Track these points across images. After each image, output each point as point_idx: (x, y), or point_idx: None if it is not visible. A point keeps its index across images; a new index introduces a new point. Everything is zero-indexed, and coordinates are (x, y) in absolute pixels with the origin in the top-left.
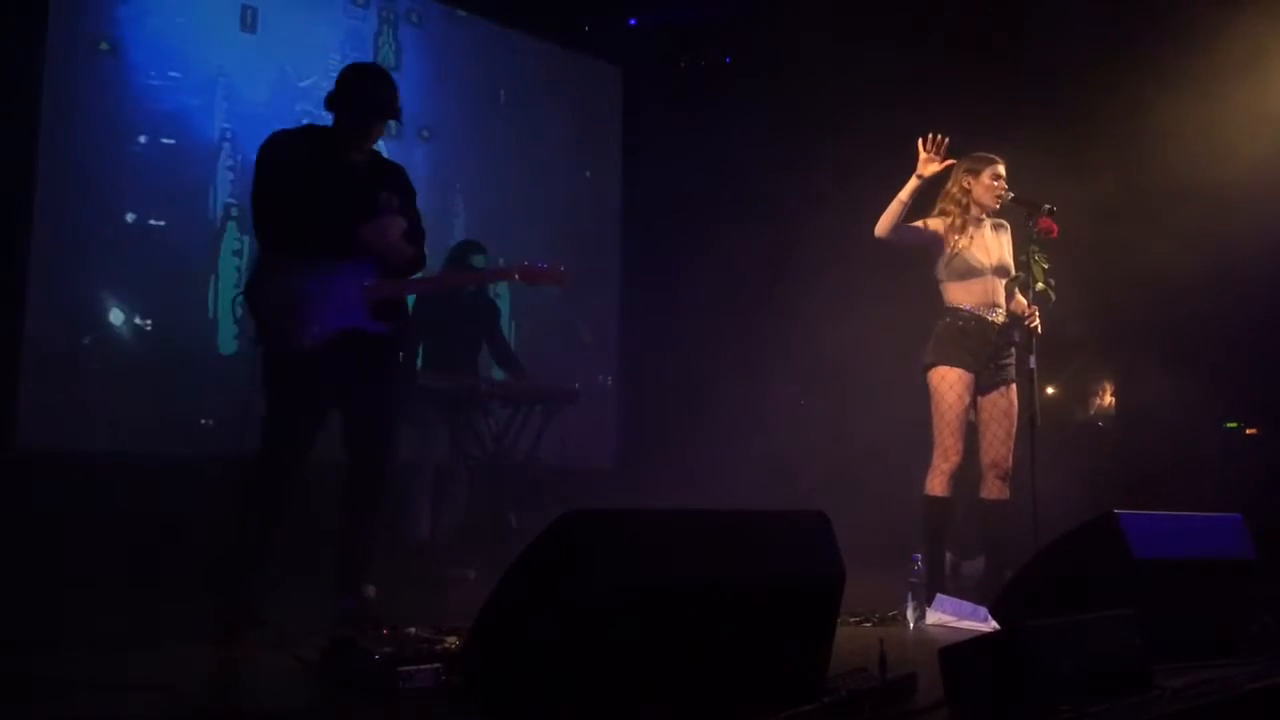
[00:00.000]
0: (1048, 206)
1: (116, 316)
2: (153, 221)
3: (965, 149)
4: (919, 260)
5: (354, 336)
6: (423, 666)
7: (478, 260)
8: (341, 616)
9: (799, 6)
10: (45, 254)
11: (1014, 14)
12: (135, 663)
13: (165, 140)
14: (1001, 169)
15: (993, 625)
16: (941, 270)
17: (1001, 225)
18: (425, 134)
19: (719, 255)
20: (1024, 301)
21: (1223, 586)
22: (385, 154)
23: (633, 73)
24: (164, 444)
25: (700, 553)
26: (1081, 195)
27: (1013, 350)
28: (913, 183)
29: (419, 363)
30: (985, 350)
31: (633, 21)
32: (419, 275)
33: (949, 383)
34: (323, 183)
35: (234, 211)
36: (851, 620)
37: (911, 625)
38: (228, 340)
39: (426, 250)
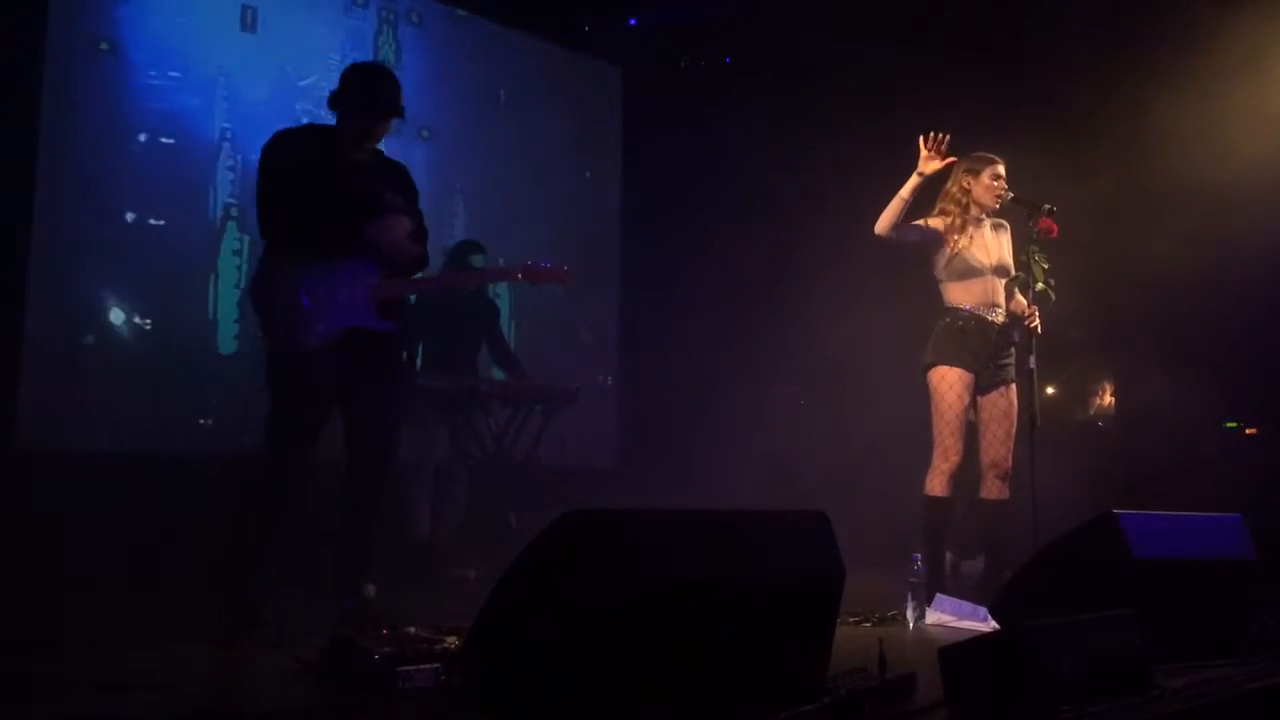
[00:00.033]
0: (1048, 206)
1: (116, 316)
2: (152, 221)
3: (965, 149)
4: (919, 260)
5: (360, 335)
6: (422, 666)
7: (477, 260)
8: (341, 616)
9: (799, 6)
10: (45, 254)
11: (1014, 14)
12: (135, 663)
13: (165, 140)
14: (1001, 169)
15: (992, 625)
16: (941, 270)
17: (1001, 225)
18: (425, 134)
19: (719, 255)
20: (1024, 301)
21: (1223, 586)
22: (385, 154)
23: (633, 73)
24: (164, 444)
25: (700, 553)
26: (1081, 195)
27: (1012, 350)
28: (913, 180)
29: (419, 363)
30: (985, 350)
31: (633, 21)
32: (421, 274)
33: (949, 383)
34: (327, 182)
35: (234, 211)
36: (851, 620)
37: (911, 625)
38: (228, 340)
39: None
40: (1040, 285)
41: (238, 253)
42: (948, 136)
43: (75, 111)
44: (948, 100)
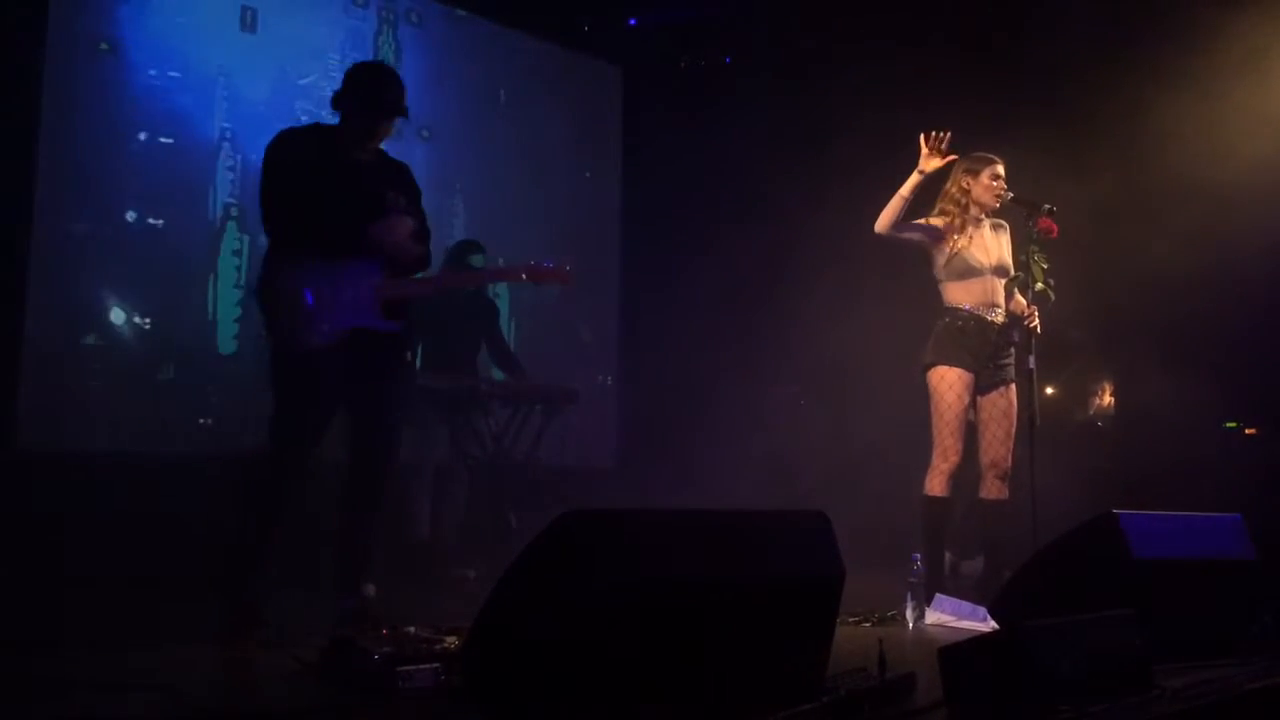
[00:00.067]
0: (1048, 206)
1: (117, 316)
2: (152, 221)
3: (965, 149)
4: (919, 260)
5: (365, 335)
6: (422, 666)
7: (477, 260)
8: (341, 616)
9: (799, 6)
10: (45, 254)
11: (1014, 14)
12: (135, 663)
13: (165, 140)
14: (1000, 169)
15: (992, 625)
16: (941, 270)
17: (1001, 225)
18: (425, 134)
19: (719, 255)
20: (1023, 301)
21: (1223, 586)
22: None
23: (633, 73)
24: (164, 444)
25: (700, 553)
26: (1081, 195)
27: (1012, 350)
28: (914, 178)
29: (418, 363)
30: (985, 350)
31: (633, 21)
32: (422, 274)
33: (948, 383)
34: (330, 181)
35: (234, 211)
36: (851, 620)
37: (911, 625)
38: (227, 340)
39: None
40: (1040, 285)
41: (238, 253)
42: (949, 134)
43: (75, 111)
44: (948, 100)
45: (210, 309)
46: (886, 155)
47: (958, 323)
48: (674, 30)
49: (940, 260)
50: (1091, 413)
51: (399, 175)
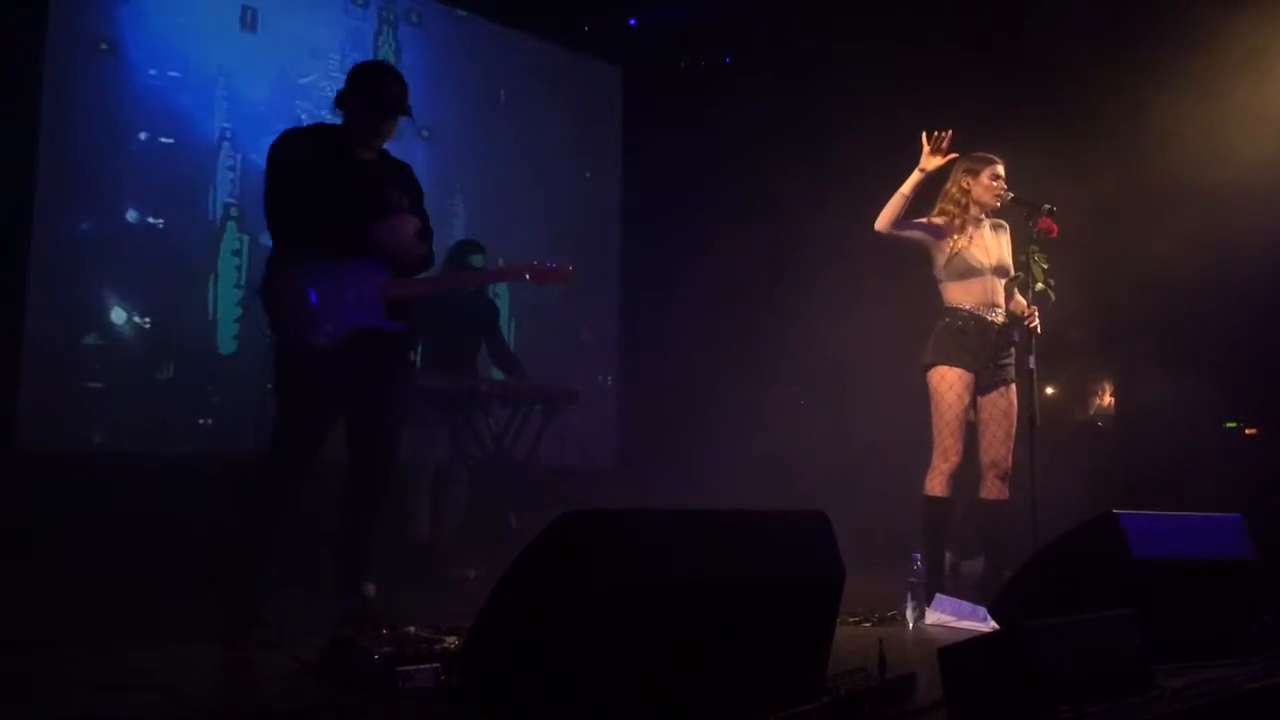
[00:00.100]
0: (1048, 206)
1: (117, 316)
2: (152, 221)
3: (965, 149)
4: (919, 260)
5: (369, 335)
6: (422, 666)
7: (477, 260)
8: (341, 616)
9: (799, 6)
10: (45, 254)
11: (1014, 14)
12: (135, 663)
13: (165, 140)
14: (1000, 169)
15: (992, 625)
16: (941, 270)
17: (1001, 225)
18: (425, 134)
19: (719, 255)
20: (1023, 301)
21: (1223, 586)
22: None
23: (633, 73)
24: (164, 444)
25: (700, 553)
26: (1081, 195)
27: (1012, 350)
28: (915, 176)
29: (418, 363)
30: (985, 350)
31: (633, 21)
32: (425, 274)
33: (949, 383)
34: (334, 181)
35: (234, 211)
36: (851, 620)
37: (911, 625)
38: (227, 340)
39: None
40: (1040, 285)
41: (238, 253)
42: (951, 133)
43: (75, 111)
44: (948, 100)
45: (210, 309)
46: (886, 155)
47: (958, 323)
48: (674, 30)
49: (940, 260)
50: (1091, 413)
51: (402, 175)
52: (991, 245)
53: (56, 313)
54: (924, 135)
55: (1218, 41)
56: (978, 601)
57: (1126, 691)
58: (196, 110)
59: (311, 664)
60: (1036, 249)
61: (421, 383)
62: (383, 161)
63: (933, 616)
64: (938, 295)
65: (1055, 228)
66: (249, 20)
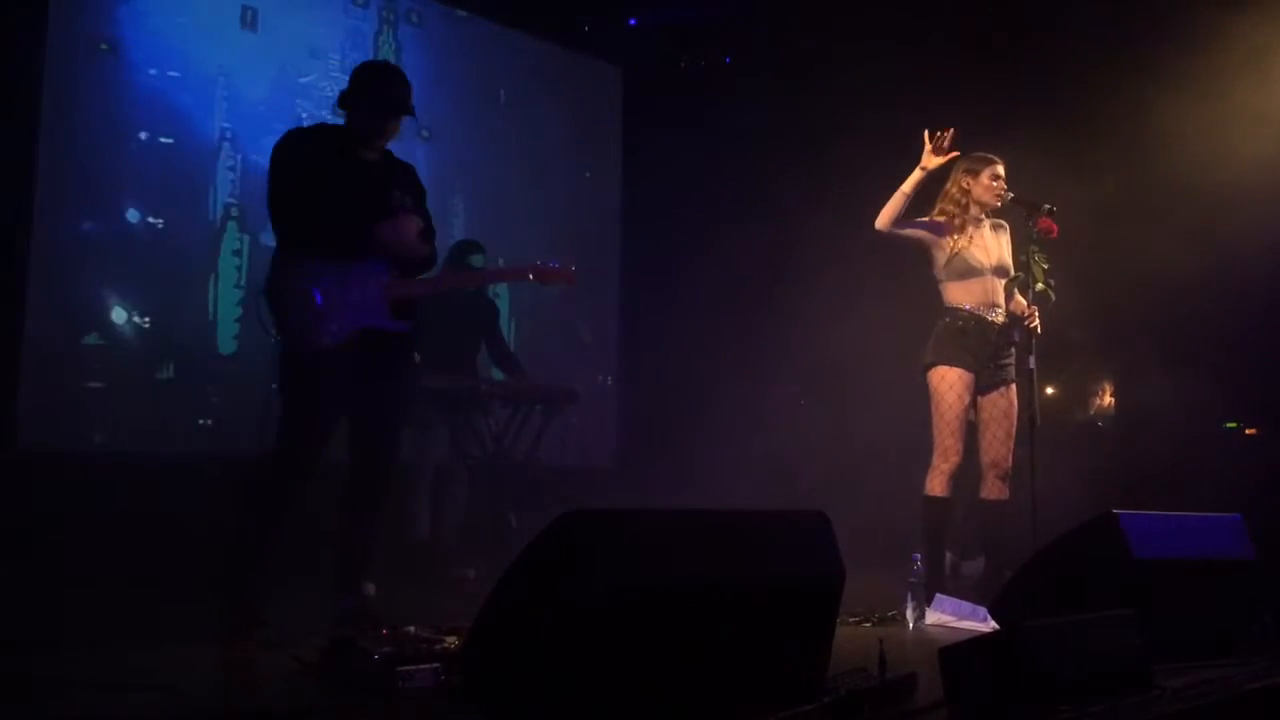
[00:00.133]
0: (1048, 206)
1: (117, 316)
2: (152, 221)
3: (965, 149)
4: (919, 260)
5: (374, 335)
6: (422, 666)
7: (476, 260)
8: (341, 616)
9: (799, 6)
10: (45, 254)
11: (1014, 14)
12: (135, 663)
13: (165, 139)
14: (1000, 169)
15: (992, 625)
16: (941, 270)
17: (1001, 225)
18: (425, 134)
19: (719, 255)
20: (1023, 301)
21: (1223, 586)
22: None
23: (633, 73)
24: (164, 444)
25: (700, 553)
26: (1081, 195)
27: (1012, 350)
28: (916, 174)
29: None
30: (985, 350)
31: (633, 21)
32: (426, 274)
33: (949, 383)
34: (338, 181)
35: (234, 211)
36: (851, 620)
37: (911, 625)
38: (227, 340)
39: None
40: (1040, 285)
41: (238, 253)
42: (953, 132)
43: (75, 111)
44: (948, 100)
45: (210, 309)
46: (886, 155)
47: (958, 323)
48: (674, 30)
49: (940, 260)
50: (1091, 413)
51: (405, 175)
52: (991, 245)
53: (56, 313)
54: (926, 133)
55: (1218, 41)
56: (978, 601)
57: (1126, 691)
58: (196, 110)
59: (311, 664)
60: (1036, 249)
61: (421, 383)
62: (386, 162)
63: (933, 616)
64: (938, 295)
65: (1055, 228)
66: (249, 20)
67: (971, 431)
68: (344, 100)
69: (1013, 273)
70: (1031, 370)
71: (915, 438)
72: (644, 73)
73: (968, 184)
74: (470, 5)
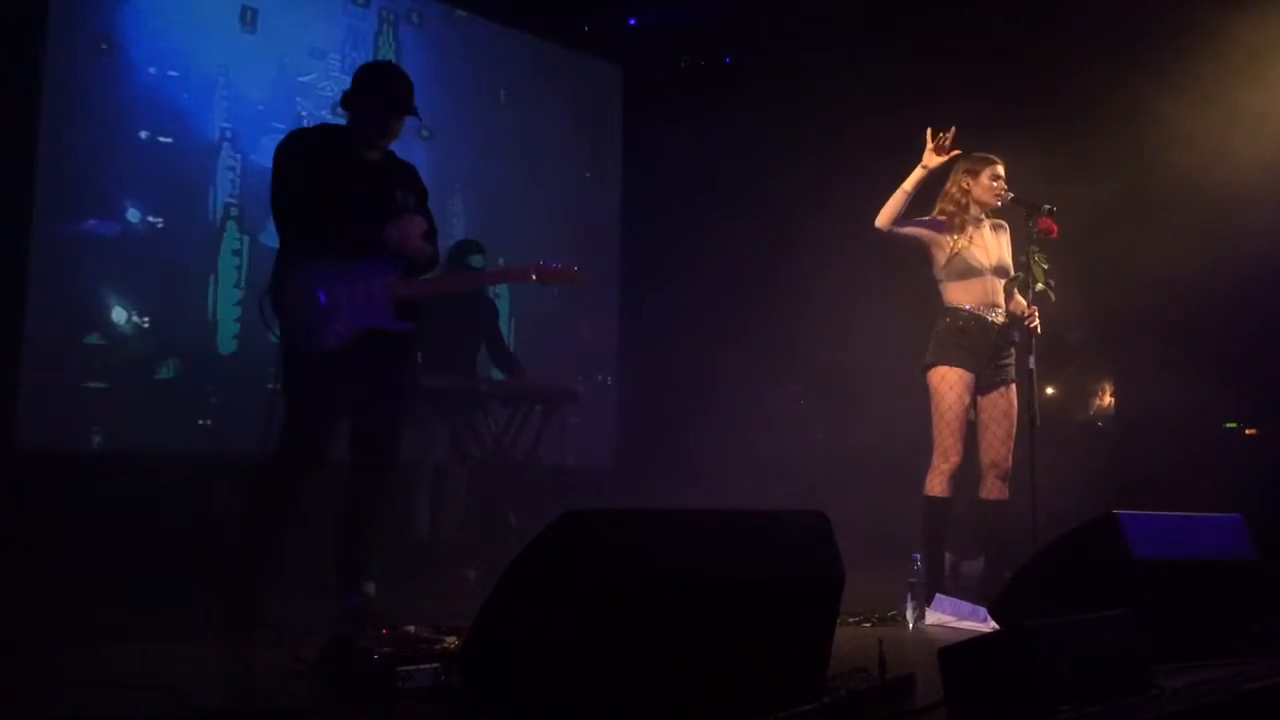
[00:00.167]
0: (1048, 206)
1: (117, 316)
2: (152, 220)
3: (965, 149)
4: (919, 260)
5: (378, 336)
6: (422, 666)
7: (476, 260)
8: (341, 616)
9: (799, 6)
10: (45, 254)
11: (1014, 14)
12: (135, 663)
13: (165, 139)
14: (1000, 169)
15: (992, 625)
16: (941, 270)
17: (1001, 225)
18: (425, 134)
19: (719, 255)
20: (1024, 302)
21: (1223, 586)
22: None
23: (633, 73)
24: (164, 444)
25: (700, 553)
26: (1081, 195)
27: (1012, 350)
28: (917, 173)
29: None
30: (985, 350)
31: (633, 21)
32: (428, 275)
33: (949, 383)
34: (341, 182)
35: (234, 211)
36: (851, 620)
37: (911, 625)
38: (227, 340)
39: None
40: (1040, 285)
41: (238, 253)
42: (955, 130)
43: (75, 111)
44: (948, 100)
45: (210, 309)
46: (887, 155)
47: (958, 323)
48: (674, 30)
49: (940, 260)
50: (1091, 413)
51: (408, 175)
52: (991, 245)
53: (56, 313)
54: (929, 132)
55: (1218, 42)
56: (978, 601)
57: (1126, 691)
58: (196, 110)
59: (311, 664)
60: (1036, 249)
61: (421, 382)
62: (389, 162)
63: (933, 616)
64: (938, 295)
65: (1055, 228)
66: (249, 20)
67: (971, 432)
68: (347, 100)
69: (1013, 273)
70: (1031, 370)
71: (915, 438)
72: (644, 72)
73: (968, 184)
74: (470, 5)
